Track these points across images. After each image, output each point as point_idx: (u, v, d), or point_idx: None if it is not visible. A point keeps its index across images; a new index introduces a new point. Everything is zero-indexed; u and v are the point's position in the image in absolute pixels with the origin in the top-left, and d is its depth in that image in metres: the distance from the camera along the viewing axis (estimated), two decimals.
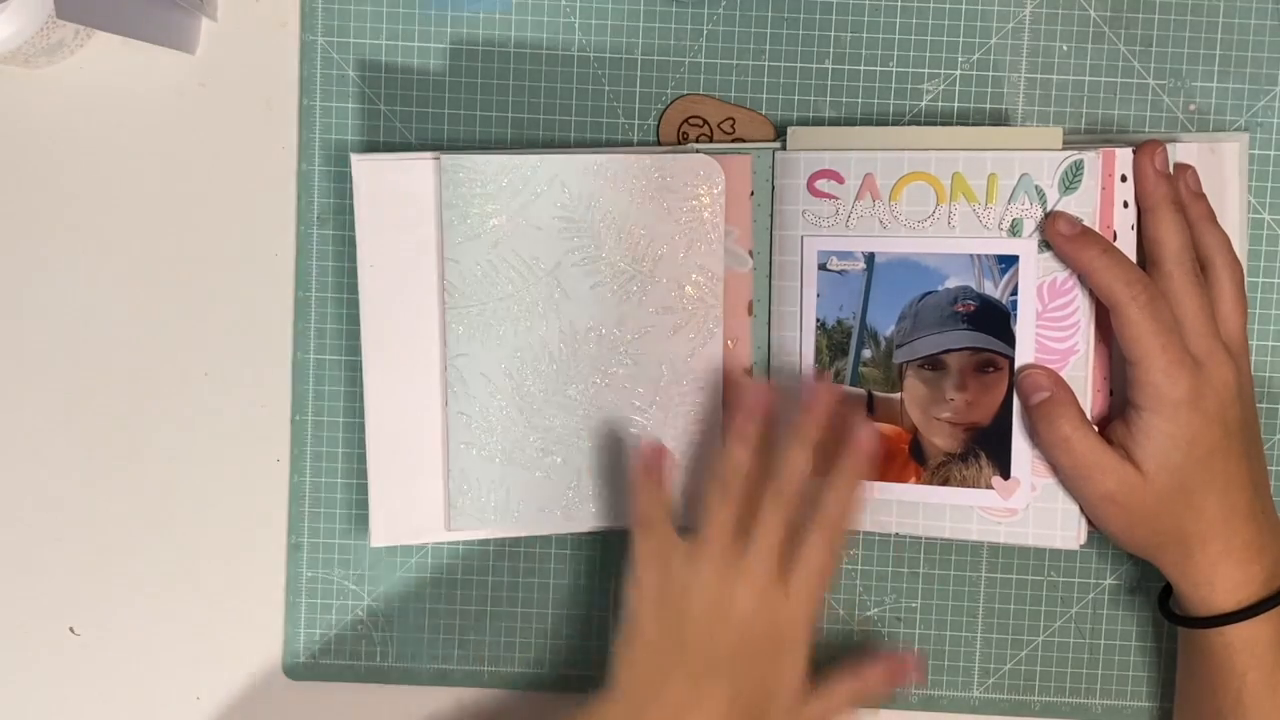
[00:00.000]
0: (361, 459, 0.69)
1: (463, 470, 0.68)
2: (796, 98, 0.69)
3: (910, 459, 0.66)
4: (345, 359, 0.70)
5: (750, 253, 0.69)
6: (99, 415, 0.71)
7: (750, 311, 0.69)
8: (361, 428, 0.68)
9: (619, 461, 0.68)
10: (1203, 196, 0.65)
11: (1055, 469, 0.64)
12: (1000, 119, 0.69)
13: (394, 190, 0.67)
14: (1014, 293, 0.64)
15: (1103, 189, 0.63)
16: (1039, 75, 0.69)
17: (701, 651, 0.62)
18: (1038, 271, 0.64)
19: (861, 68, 0.69)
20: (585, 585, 0.71)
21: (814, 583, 0.63)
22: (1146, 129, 0.69)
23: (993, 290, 0.64)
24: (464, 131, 0.70)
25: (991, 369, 0.65)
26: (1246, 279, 0.65)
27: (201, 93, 0.70)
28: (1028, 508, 0.65)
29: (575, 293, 0.67)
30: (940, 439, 0.66)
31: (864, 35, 0.69)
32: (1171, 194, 0.63)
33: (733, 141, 0.69)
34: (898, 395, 0.66)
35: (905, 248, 0.66)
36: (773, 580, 0.62)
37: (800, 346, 0.68)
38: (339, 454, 0.71)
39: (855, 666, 0.65)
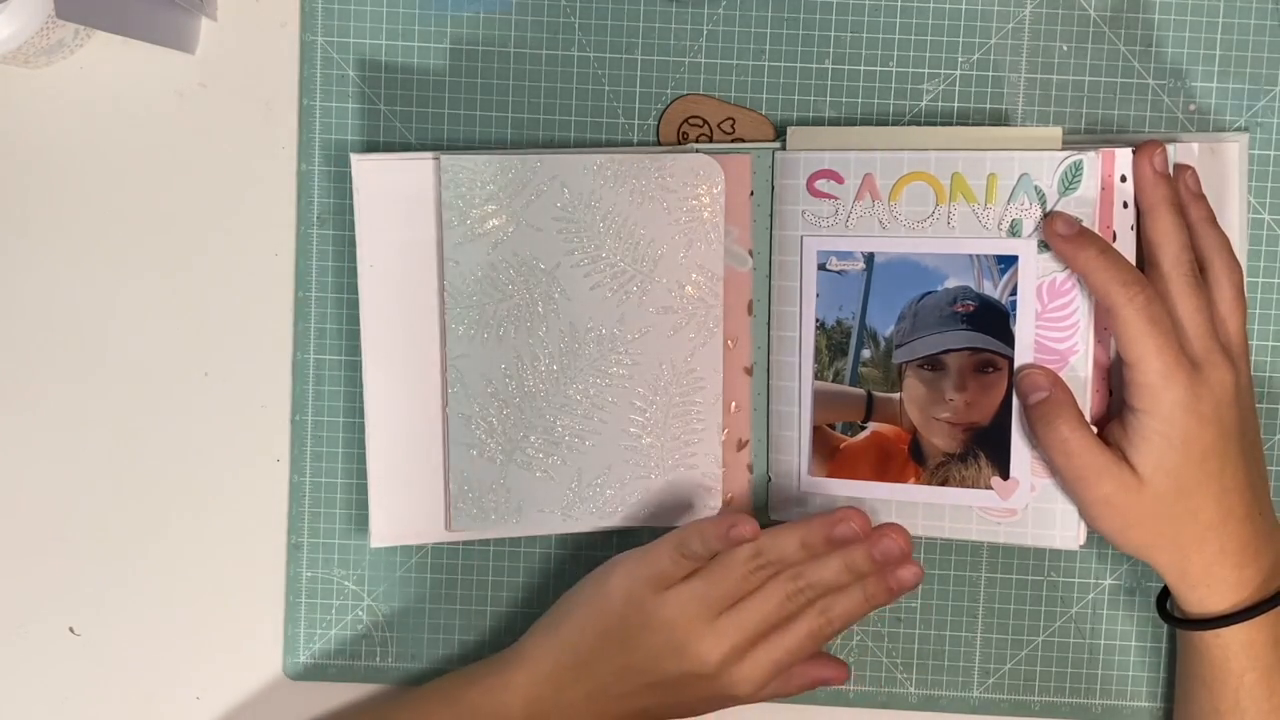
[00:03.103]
0: (361, 459, 0.69)
1: (463, 471, 0.68)
2: (796, 98, 0.69)
3: (910, 459, 0.66)
4: (345, 359, 0.70)
5: (750, 253, 0.69)
6: (99, 415, 0.71)
7: (750, 311, 0.69)
8: (361, 428, 0.68)
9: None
10: (1202, 197, 0.65)
11: (1053, 469, 0.64)
12: (1000, 119, 0.69)
13: (394, 190, 0.67)
14: (1013, 293, 0.64)
15: (1102, 189, 0.63)
16: (1039, 75, 0.69)
17: (631, 662, 0.64)
18: (1037, 272, 0.64)
19: (861, 68, 0.69)
20: None
21: (768, 671, 0.63)
22: (1146, 129, 0.69)
23: (992, 290, 0.64)
24: (464, 131, 0.70)
25: (991, 369, 0.65)
26: (1246, 279, 0.65)
27: (201, 93, 0.70)
28: (1027, 508, 0.65)
29: (575, 293, 0.67)
30: (940, 439, 0.66)
31: (864, 35, 0.69)
32: (1170, 195, 0.63)
33: (733, 141, 0.69)
34: (897, 395, 0.66)
35: (905, 248, 0.66)
36: (735, 657, 0.63)
37: (800, 346, 0.68)
38: (339, 454, 0.71)
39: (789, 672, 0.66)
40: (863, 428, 0.67)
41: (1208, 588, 0.62)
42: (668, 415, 0.68)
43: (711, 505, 0.68)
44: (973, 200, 0.64)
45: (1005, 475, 0.65)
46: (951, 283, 0.65)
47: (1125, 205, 0.63)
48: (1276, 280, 0.69)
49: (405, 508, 0.68)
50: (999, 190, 0.64)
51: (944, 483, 0.66)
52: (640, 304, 0.67)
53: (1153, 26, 0.69)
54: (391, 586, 0.71)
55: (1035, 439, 0.63)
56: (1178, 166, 0.65)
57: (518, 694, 0.65)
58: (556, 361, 0.67)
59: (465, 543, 0.71)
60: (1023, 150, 0.64)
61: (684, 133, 0.69)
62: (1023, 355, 0.64)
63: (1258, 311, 0.69)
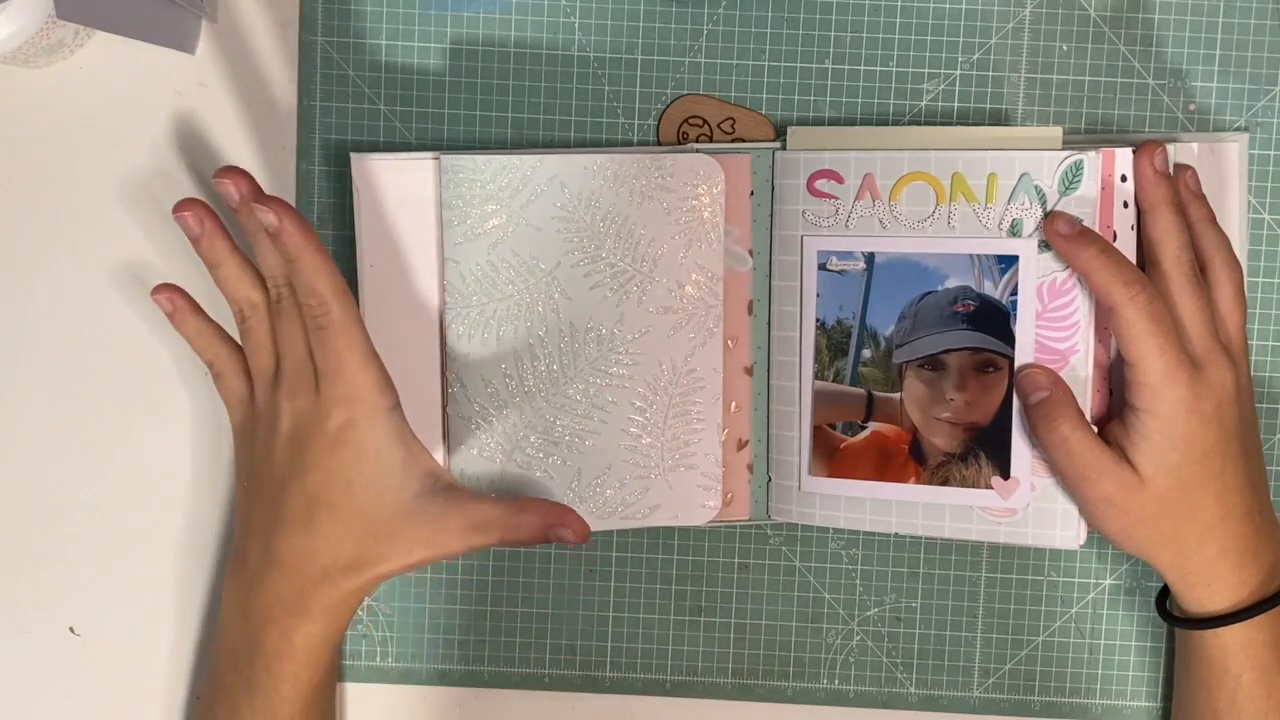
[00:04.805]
0: None
1: (463, 471, 0.68)
2: (796, 98, 0.69)
3: (910, 459, 0.66)
4: None
5: (750, 252, 0.69)
6: (99, 415, 0.71)
7: (750, 311, 0.69)
8: None
9: None
10: (1202, 197, 0.65)
11: (1054, 469, 0.64)
12: (1000, 119, 0.69)
13: (394, 190, 0.67)
14: (1014, 293, 0.64)
15: (1103, 189, 0.63)
16: (1039, 75, 0.69)
17: (267, 470, 0.64)
18: (1038, 271, 0.64)
19: (861, 68, 0.69)
20: (585, 585, 0.71)
21: (332, 377, 0.62)
22: (1146, 129, 0.69)
23: (992, 290, 0.64)
24: (464, 131, 0.70)
25: (991, 369, 0.65)
26: (1246, 279, 0.65)
27: (201, 93, 0.70)
28: (1027, 508, 0.65)
29: (575, 293, 0.67)
30: (940, 439, 0.66)
31: (864, 35, 0.69)
32: (1171, 195, 0.63)
33: (733, 141, 0.69)
34: (897, 395, 0.66)
35: (905, 248, 0.66)
36: (304, 384, 0.63)
37: (800, 346, 0.68)
38: None
39: (517, 504, 0.64)
40: (863, 428, 0.67)
41: (1208, 587, 0.62)
42: (667, 415, 0.68)
43: (711, 505, 0.68)
44: (973, 200, 0.64)
45: (1005, 475, 0.65)
46: (952, 282, 0.65)
47: (1125, 205, 0.63)
48: (1276, 280, 0.69)
49: None
50: (999, 190, 0.64)
51: (944, 482, 0.66)
52: (640, 304, 0.67)
53: (1153, 26, 0.69)
54: (391, 586, 0.71)
55: (1036, 438, 0.63)
56: (1178, 166, 0.65)
57: (227, 595, 0.65)
58: (556, 361, 0.67)
59: None
60: (1023, 150, 0.64)
61: (684, 133, 0.69)
62: (1023, 355, 0.64)
63: (1258, 311, 0.69)
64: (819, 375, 0.68)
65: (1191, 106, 0.69)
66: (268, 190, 0.70)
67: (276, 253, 0.63)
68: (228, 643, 0.65)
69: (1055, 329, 0.64)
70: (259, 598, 0.63)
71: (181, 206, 0.64)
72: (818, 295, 0.67)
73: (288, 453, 0.63)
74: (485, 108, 0.70)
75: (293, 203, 0.70)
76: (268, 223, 0.62)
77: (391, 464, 0.63)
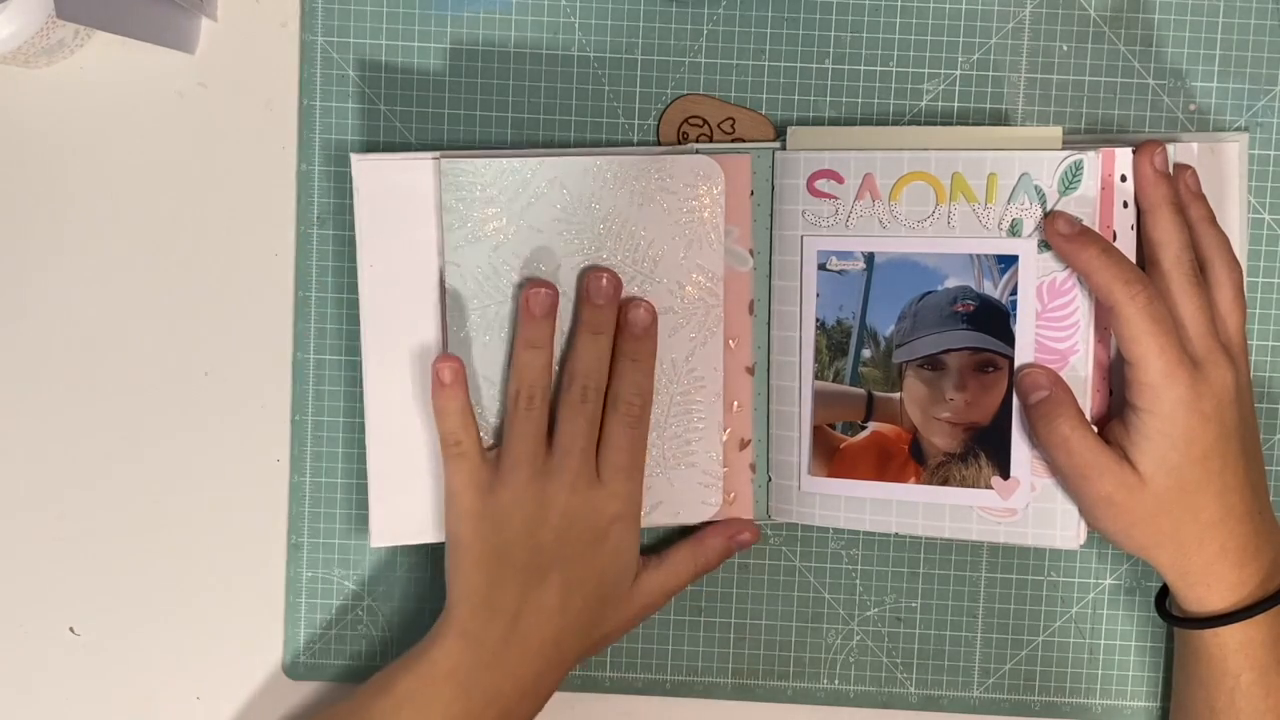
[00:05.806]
0: (361, 459, 0.69)
1: None
2: (796, 98, 0.69)
3: (910, 459, 0.66)
4: (345, 359, 0.70)
5: (750, 252, 0.69)
6: (99, 415, 0.71)
7: (750, 311, 0.69)
8: (361, 428, 0.68)
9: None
10: (1202, 197, 0.65)
11: (1054, 469, 0.64)
12: (1000, 119, 0.69)
13: (394, 190, 0.67)
14: (1013, 292, 0.64)
15: (1102, 189, 0.63)
16: (1039, 75, 0.69)
17: (524, 557, 0.64)
18: (1037, 271, 0.64)
19: (861, 68, 0.69)
20: None
21: (624, 473, 0.65)
22: (1146, 129, 0.69)
23: (992, 290, 0.64)
24: (464, 131, 0.70)
25: (991, 369, 0.65)
26: (1246, 279, 0.65)
27: (201, 93, 0.70)
28: (1027, 508, 0.65)
29: (576, 294, 0.67)
30: (940, 439, 0.66)
31: (864, 35, 0.69)
32: (1171, 194, 0.63)
33: (733, 141, 0.69)
34: (897, 395, 0.66)
35: (905, 248, 0.66)
36: (585, 479, 0.65)
37: (800, 346, 0.68)
38: (339, 454, 0.71)
39: (696, 537, 0.69)
40: (863, 427, 0.67)
41: (1207, 586, 0.62)
42: (669, 414, 0.68)
43: (712, 502, 0.68)
44: (973, 200, 0.64)
45: (1005, 475, 0.65)
46: (951, 282, 0.65)
47: (1125, 205, 0.63)
48: (1276, 280, 0.69)
49: (405, 508, 0.68)
50: (999, 190, 0.64)
51: (944, 482, 0.66)
52: None
53: (1153, 26, 0.69)
54: (391, 586, 0.71)
55: (1036, 438, 0.63)
56: (1178, 166, 0.65)
57: (440, 667, 0.64)
58: (557, 363, 0.67)
59: None
60: (1023, 150, 0.64)
61: (684, 133, 0.69)
62: (1023, 355, 0.64)
63: (1258, 311, 0.69)
64: (819, 375, 0.68)
65: (1191, 106, 0.69)
66: (268, 191, 0.70)
67: (601, 350, 0.65)
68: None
69: (1055, 329, 0.64)
70: (493, 677, 0.64)
71: (538, 284, 0.65)
72: (818, 295, 0.67)
73: (555, 543, 0.64)
74: (485, 108, 0.70)
75: (293, 203, 0.70)
76: (639, 320, 0.65)
77: (631, 561, 0.67)
